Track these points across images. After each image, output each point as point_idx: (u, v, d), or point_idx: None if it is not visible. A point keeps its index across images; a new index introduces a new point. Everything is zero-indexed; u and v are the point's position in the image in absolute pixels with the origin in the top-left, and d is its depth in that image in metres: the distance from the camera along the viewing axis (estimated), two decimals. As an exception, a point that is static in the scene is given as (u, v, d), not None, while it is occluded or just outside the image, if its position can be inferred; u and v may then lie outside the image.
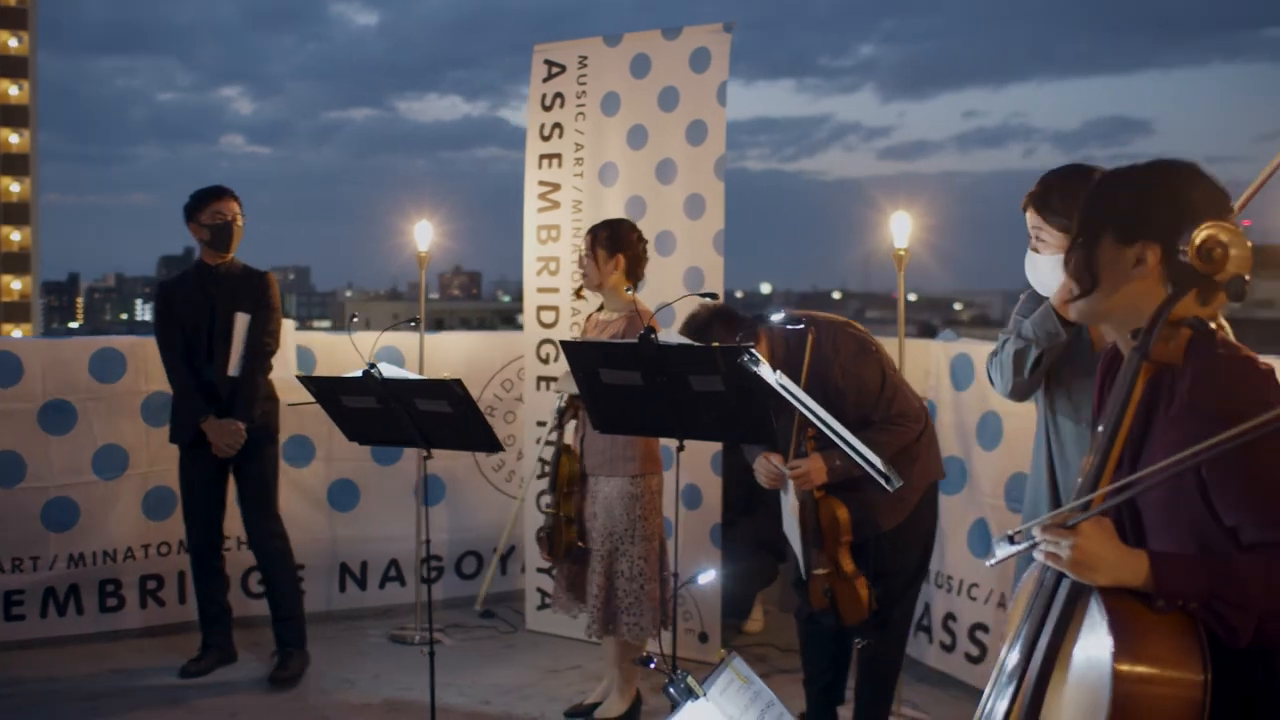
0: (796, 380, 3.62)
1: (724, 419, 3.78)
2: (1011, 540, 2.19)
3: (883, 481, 3.17)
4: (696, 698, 2.32)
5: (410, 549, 6.28)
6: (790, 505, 3.95)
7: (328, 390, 4.27)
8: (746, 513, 5.96)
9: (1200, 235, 2.07)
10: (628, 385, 3.80)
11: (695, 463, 5.47)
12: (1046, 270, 3.01)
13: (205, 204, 5.25)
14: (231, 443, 5.19)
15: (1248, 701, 2.00)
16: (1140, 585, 1.97)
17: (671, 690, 2.32)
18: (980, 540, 5.23)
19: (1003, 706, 2.21)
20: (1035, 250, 3.06)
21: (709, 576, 3.14)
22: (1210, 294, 2.10)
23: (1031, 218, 3.07)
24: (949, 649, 5.40)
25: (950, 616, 5.39)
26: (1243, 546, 1.98)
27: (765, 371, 3.28)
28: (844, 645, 4.26)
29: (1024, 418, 4.94)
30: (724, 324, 4.00)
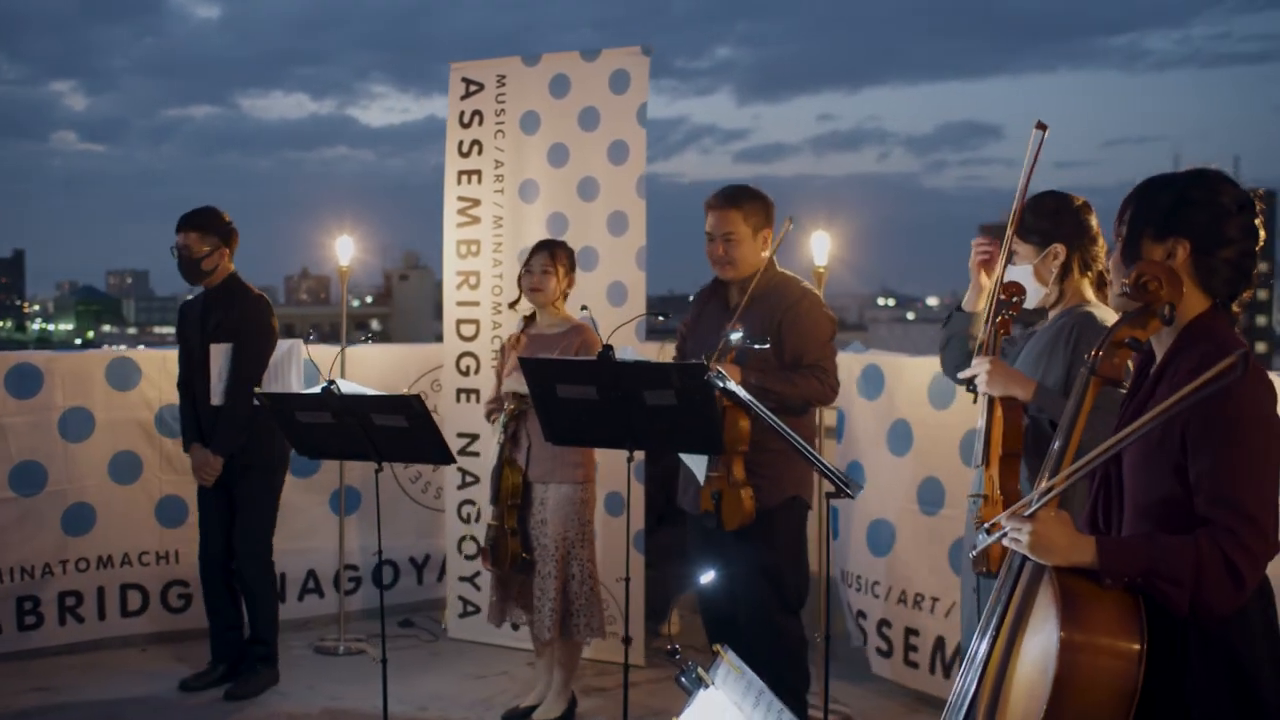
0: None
1: (674, 431, 3.98)
2: (988, 532, 2.47)
3: (840, 487, 3.41)
4: (707, 686, 2.51)
5: (327, 560, 6.34)
6: None
7: (283, 406, 4.35)
8: (664, 521, 6.18)
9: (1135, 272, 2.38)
10: (583, 399, 3.97)
11: (619, 471, 5.65)
12: (1015, 277, 3.43)
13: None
14: (206, 474, 5.20)
15: (1182, 674, 2.31)
16: (1089, 565, 2.29)
17: (683, 680, 2.51)
18: (883, 540, 5.51)
19: (974, 684, 2.48)
20: (1009, 261, 3.46)
21: (709, 577, 3.36)
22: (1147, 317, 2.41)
23: (1009, 230, 3.46)
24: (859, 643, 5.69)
25: (860, 614, 5.68)
26: (1196, 516, 2.28)
27: (733, 386, 3.50)
28: (745, 631, 4.42)
29: (932, 425, 5.28)
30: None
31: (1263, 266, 2.65)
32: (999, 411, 3.20)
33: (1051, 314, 3.48)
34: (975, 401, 3.37)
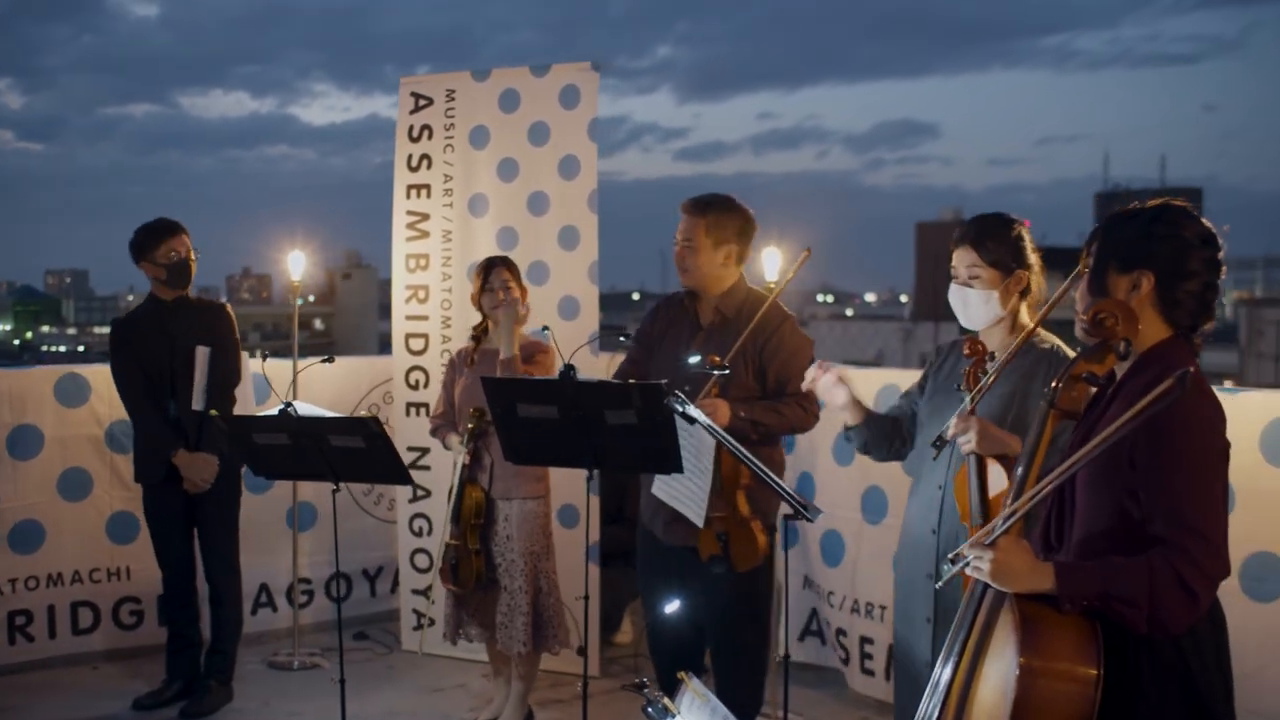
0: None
1: (634, 450, 3.97)
2: (952, 561, 2.55)
3: (800, 511, 3.47)
4: (673, 716, 2.57)
5: (280, 574, 6.35)
6: (692, 449, 3.99)
7: (240, 428, 4.36)
8: (615, 522, 6.25)
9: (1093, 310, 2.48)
10: (544, 419, 3.99)
11: (573, 483, 5.68)
12: (978, 303, 3.47)
13: (159, 242, 5.25)
14: (206, 476, 5.17)
15: (1134, 697, 2.40)
16: (1048, 590, 2.36)
17: (650, 711, 2.56)
18: (834, 551, 5.61)
19: (937, 709, 2.56)
20: (968, 285, 3.48)
21: (673, 606, 3.37)
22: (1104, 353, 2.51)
23: (967, 255, 3.49)
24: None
25: (823, 623, 5.78)
26: (1149, 536, 2.36)
27: (694, 411, 3.54)
28: (696, 643, 4.39)
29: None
30: None
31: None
32: (998, 472, 3.19)
33: (999, 342, 3.50)
34: (935, 458, 3.41)
